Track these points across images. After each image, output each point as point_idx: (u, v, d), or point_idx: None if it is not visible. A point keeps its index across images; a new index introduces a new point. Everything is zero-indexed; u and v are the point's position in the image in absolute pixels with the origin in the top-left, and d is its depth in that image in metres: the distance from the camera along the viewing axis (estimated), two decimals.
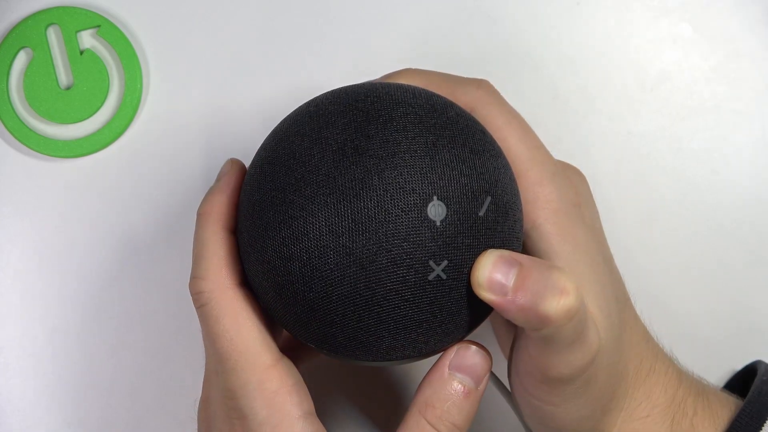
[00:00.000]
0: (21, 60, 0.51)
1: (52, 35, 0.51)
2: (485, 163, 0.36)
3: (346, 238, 0.34)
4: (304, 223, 0.35)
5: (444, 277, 0.35)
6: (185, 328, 0.50)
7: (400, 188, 0.34)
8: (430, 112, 0.36)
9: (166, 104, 0.51)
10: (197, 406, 0.42)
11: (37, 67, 0.50)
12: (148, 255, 0.51)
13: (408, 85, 0.38)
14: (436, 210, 0.35)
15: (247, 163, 0.40)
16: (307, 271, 0.35)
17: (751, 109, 0.51)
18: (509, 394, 0.41)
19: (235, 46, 0.51)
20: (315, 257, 0.35)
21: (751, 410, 0.42)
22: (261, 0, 0.51)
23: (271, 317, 0.38)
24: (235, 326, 0.37)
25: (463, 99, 0.40)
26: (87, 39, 0.51)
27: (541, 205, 0.39)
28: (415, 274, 0.34)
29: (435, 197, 0.35)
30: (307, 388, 0.38)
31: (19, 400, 0.51)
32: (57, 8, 0.51)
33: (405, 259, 0.34)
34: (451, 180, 0.35)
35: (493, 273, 0.35)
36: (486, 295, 0.35)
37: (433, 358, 0.38)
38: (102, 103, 0.51)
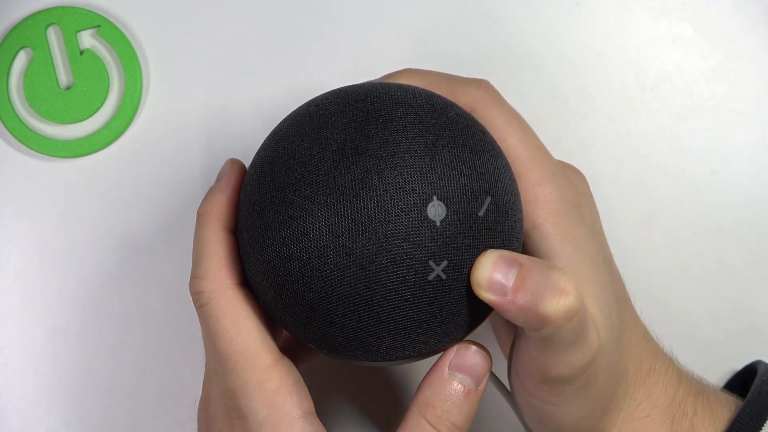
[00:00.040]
0: (21, 60, 0.51)
1: (52, 35, 0.51)
2: (485, 163, 0.36)
3: (345, 238, 0.34)
4: (303, 223, 0.35)
5: (444, 277, 0.35)
6: (185, 328, 0.50)
7: (400, 188, 0.34)
8: (430, 112, 0.36)
9: (166, 104, 0.51)
10: (197, 406, 0.42)
11: (37, 67, 0.50)
12: (148, 255, 0.51)
13: (408, 85, 0.38)
14: (436, 210, 0.35)
15: (247, 163, 0.40)
16: (307, 271, 0.35)
17: (751, 109, 0.51)
18: (509, 394, 0.41)
19: (235, 46, 0.51)
20: (315, 257, 0.35)
21: (751, 410, 0.42)
22: (261, 0, 0.51)
23: (271, 317, 0.38)
24: (235, 326, 0.37)
25: (463, 99, 0.40)
26: (87, 39, 0.51)
27: (541, 205, 0.39)
28: (414, 274, 0.34)
29: (435, 197, 0.35)
30: (307, 388, 0.38)
31: (19, 400, 0.51)
32: (57, 8, 0.51)
33: (405, 259, 0.34)
34: (451, 180, 0.35)
35: (493, 273, 0.35)
36: (486, 295, 0.35)
37: (433, 358, 0.38)
38: (102, 103, 0.51)
